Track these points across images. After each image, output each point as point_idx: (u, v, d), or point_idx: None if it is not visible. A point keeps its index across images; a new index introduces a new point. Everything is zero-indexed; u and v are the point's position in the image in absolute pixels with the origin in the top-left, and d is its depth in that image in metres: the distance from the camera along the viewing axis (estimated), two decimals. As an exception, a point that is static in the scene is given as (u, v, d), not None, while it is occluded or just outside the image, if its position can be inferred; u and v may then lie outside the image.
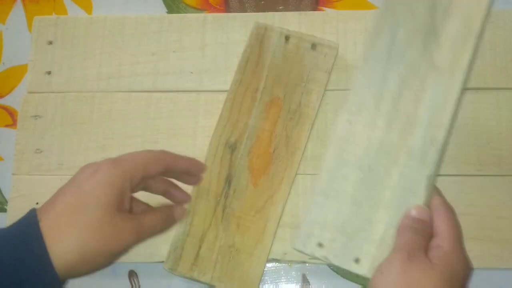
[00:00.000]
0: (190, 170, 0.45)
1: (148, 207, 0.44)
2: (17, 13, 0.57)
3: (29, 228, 0.35)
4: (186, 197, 0.46)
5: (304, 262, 0.48)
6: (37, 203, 0.49)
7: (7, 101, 0.55)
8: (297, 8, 0.55)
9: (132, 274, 0.49)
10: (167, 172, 0.42)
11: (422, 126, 0.41)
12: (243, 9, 0.56)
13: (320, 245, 0.41)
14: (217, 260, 0.46)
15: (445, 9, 0.43)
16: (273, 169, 0.47)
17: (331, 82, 0.51)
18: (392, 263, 0.37)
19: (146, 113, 0.52)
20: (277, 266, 0.48)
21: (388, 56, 0.43)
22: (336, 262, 0.41)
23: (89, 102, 0.53)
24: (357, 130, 0.43)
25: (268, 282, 0.48)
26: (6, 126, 0.54)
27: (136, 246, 0.40)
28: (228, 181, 0.47)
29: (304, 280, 0.48)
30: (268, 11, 0.55)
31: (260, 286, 0.47)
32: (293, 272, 0.48)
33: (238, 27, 0.53)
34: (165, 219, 0.43)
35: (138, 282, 0.49)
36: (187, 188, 0.47)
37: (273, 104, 0.49)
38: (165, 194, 0.45)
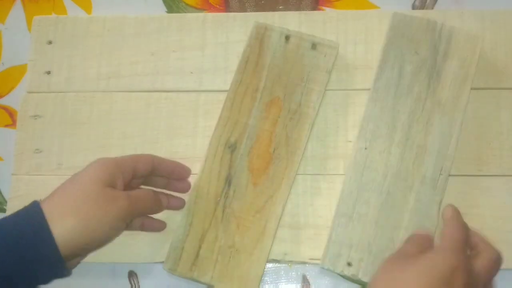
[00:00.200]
0: (176, 172, 0.46)
1: None
2: (17, 12, 0.57)
3: (30, 208, 0.38)
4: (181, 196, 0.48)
5: (304, 263, 0.48)
6: (36, 203, 0.49)
7: (6, 101, 0.55)
8: (297, 8, 0.55)
9: (131, 275, 0.49)
10: (155, 170, 0.44)
11: (432, 156, 0.46)
12: (243, 9, 0.56)
13: (349, 264, 0.44)
14: (217, 260, 0.45)
15: (445, 50, 0.48)
16: (273, 169, 0.47)
17: (331, 82, 0.51)
18: (381, 264, 0.39)
19: (146, 113, 0.52)
20: (277, 266, 0.48)
21: (396, 89, 0.48)
22: (366, 279, 0.44)
23: (88, 102, 0.52)
24: (373, 156, 0.47)
25: (268, 282, 0.48)
26: (6, 126, 0.54)
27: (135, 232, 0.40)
28: (228, 181, 0.47)
29: (304, 281, 0.48)
30: (268, 10, 0.55)
31: (260, 286, 0.47)
32: (293, 273, 0.48)
33: (238, 27, 0.53)
34: (152, 198, 0.43)
35: (138, 282, 0.48)
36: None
37: (273, 104, 0.49)
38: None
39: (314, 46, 0.49)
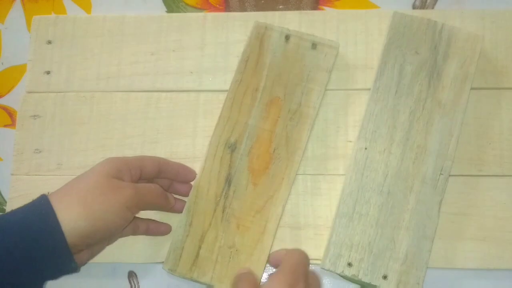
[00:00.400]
0: (181, 174, 0.46)
1: None
2: (16, 12, 0.57)
3: (37, 199, 0.39)
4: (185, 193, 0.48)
5: (304, 263, 0.48)
6: (36, 203, 0.49)
7: (6, 101, 0.55)
8: (297, 8, 0.55)
9: (131, 275, 0.49)
10: (161, 172, 0.45)
11: (432, 156, 0.46)
12: (243, 8, 0.55)
13: (349, 264, 0.44)
14: (217, 260, 0.45)
15: (445, 50, 0.48)
16: (273, 169, 0.47)
17: (331, 82, 0.51)
18: None
19: (146, 113, 0.52)
20: (277, 267, 0.48)
21: (397, 89, 0.48)
22: (366, 279, 0.44)
23: (88, 102, 0.52)
24: (374, 156, 0.47)
25: (268, 282, 0.48)
26: (5, 126, 0.54)
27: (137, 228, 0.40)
28: (228, 181, 0.47)
29: (304, 281, 0.48)
30: (268, 10, 0.55)
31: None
32: (293, 273, 0.48)
33: (238, 27, 0.53)
34: (159, 191, 0.43)
35: (138, 282, 0.48)
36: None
37: (273, 104, 0.49)
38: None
39: (314, 45, 0.49)
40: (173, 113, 0.52)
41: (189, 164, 0.48)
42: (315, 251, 0.47)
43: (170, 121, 0.51)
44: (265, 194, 0.47)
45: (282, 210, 0.47)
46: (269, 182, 0.47)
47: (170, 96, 0.52)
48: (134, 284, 0.48)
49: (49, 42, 0.54)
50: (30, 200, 0.39)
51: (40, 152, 0.51)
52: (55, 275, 0.39)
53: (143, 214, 0.46)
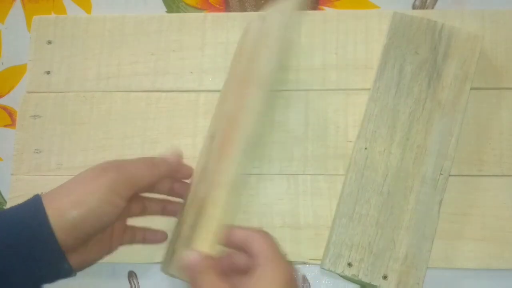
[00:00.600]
0: (180, 170, 0.45)
1: None
2: (16, 12, 0.57)
3: (31, 198, 0.38)
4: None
5: (304, 263, 0.48)
6: (36, 203, 0.49)
7: (6, 101, 0.55)
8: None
9: (131, 275, 0.49)
10: (159, 176, 0.42)
11: (432, 157, 0.46)
12: (243, 9, 0.55)
13: (349, 264, 0.44)
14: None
15: (445, 50, 0.48)
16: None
17: (331, 82, 0.51)
18: None
19: (146, 113, 0.52)
20: (277, 267, 0.48)
21: (397, 89, 0.48)
22: (366, 279, 0.44)
23: (88, 102, 0.52)
24: (374, 156, 0.47)
25: (268, 282, 0.48)
26: (5, 126, 0.54)
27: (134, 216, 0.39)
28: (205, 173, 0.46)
29: (304, 281, 0.48)
30: (268, 10, 0.55)
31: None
32: (293, 273, 0.48)
33: (238, 27, 0.53)
34: (144, 161, 0.41)
35: (138, 282, 0.48)
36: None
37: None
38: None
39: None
40: (173, 113, 0.52)
41: (189, 164, 0.47)
42: (315, 251, 0.47)
43: (170, 121, 0.51)
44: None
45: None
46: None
47: (170, 96, 0.52)
48: (134, 284, 0.48)
49: (49, 42, 0.54)
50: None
51: (40, 152, 0.51)
52: (48, 276, 0.38)
53: (141, 222, 0.46)
